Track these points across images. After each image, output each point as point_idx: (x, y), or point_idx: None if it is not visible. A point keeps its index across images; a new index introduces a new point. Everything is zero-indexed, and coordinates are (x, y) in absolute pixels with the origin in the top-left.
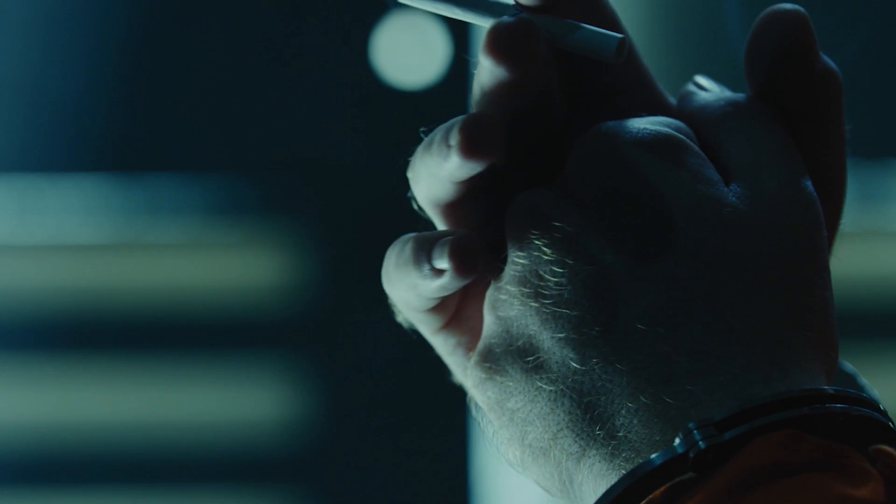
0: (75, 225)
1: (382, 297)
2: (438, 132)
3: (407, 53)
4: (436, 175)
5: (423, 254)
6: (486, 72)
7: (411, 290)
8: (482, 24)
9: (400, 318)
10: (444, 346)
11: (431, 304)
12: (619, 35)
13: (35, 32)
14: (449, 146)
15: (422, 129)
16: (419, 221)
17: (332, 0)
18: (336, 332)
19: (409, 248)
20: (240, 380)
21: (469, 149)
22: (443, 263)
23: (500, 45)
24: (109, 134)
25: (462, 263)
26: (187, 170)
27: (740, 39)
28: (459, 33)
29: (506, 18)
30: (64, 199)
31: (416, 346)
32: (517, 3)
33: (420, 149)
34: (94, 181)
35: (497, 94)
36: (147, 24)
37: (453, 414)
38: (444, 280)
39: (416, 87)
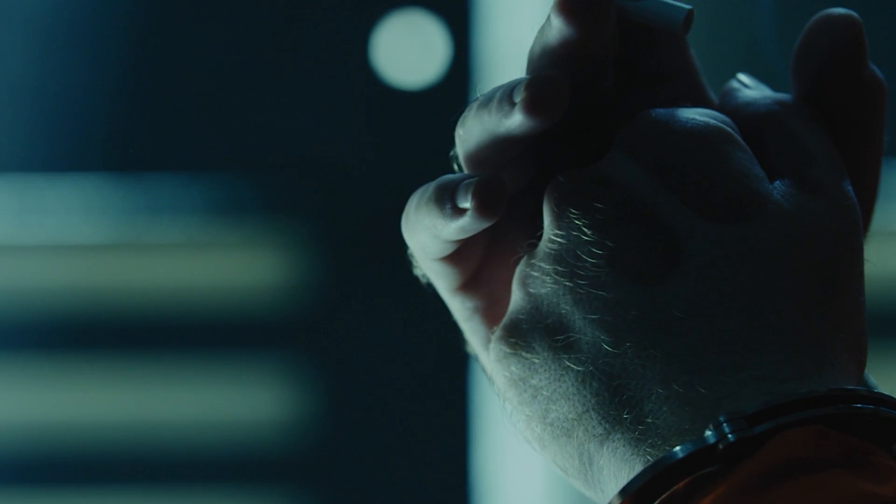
0: (75, 225)
1: (382, 297)
2: (499, 90)
3: (407, 53)
4: (491, 132)
5: (446, 193)
6: (554, 30)
7: (430, 231)
8: None
9: (417, 272)
10: (461, 309)
11: (449, 249)
12: (688, 6)
13: (35, 32)
14: (513, 103)
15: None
16: None
17: (332, 0)
18: (336, 332)
19: (432, 188)
20: (240, 380)
21: (535, 107)
22: (465, 202)
23: (574, 4)
24: (110, 134)
25: (485, 203)
26: (187, 170)
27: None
28: (459, 33)
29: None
30: (64, 198)
31: (415, 346)
32: None
33: (475, 105)
34: (94, 181)
35: (561, 55)
36: (147, 24)
37: (453, 414)
38: (465, 220)
39: (417, 87)
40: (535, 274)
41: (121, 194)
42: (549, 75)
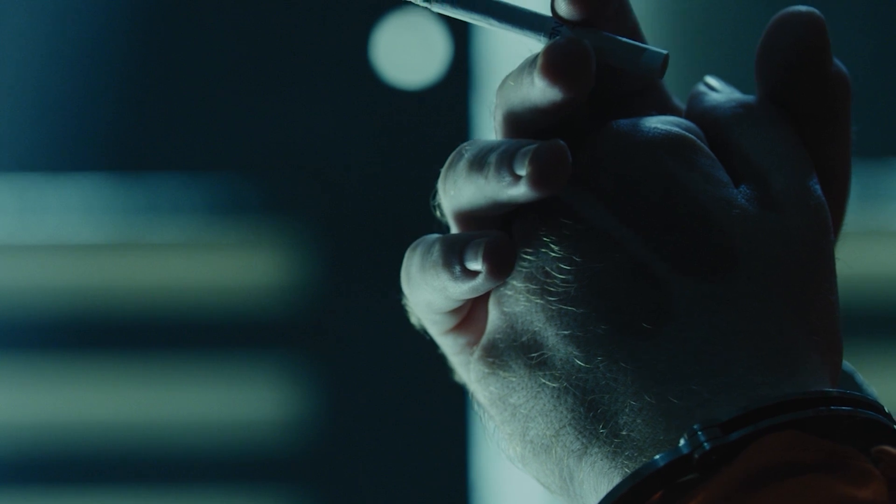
0: (76, 224)
1: (382, 297)
2: (491, 152)
3: (407, 53)
4: (489, 198)
5: (453, 255)
6: (538, 90)
7: (439, 292)
8: (522, 36)
9: (413, 320)
10: (452, 346)
11: (456, 305)
12: (664, 52)
13: (35, 32)
14: (515, 175)
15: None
16: (419, 221)
17: (333, 0)
18: (336, 332)
19: (437, 250)
20: (240, 380)
21: (542, 181)
22: (476, 265)
23: (557, 67)
24: (110, 133)
25: (497, 265)
26: (188, 169)
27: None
28: (459, 33)
29: (559, 39)
30: (64, 198)
31: (415, 346)
32: (557, 17)
33: (463, 165)
34: (94, 180)
35: (545, 111)
36: (147, 24)
37: (453, 414)
38: (476, 282)
39: (417, 87)
40: (509, 293)
41: (121, 194)
42: (552, 147)
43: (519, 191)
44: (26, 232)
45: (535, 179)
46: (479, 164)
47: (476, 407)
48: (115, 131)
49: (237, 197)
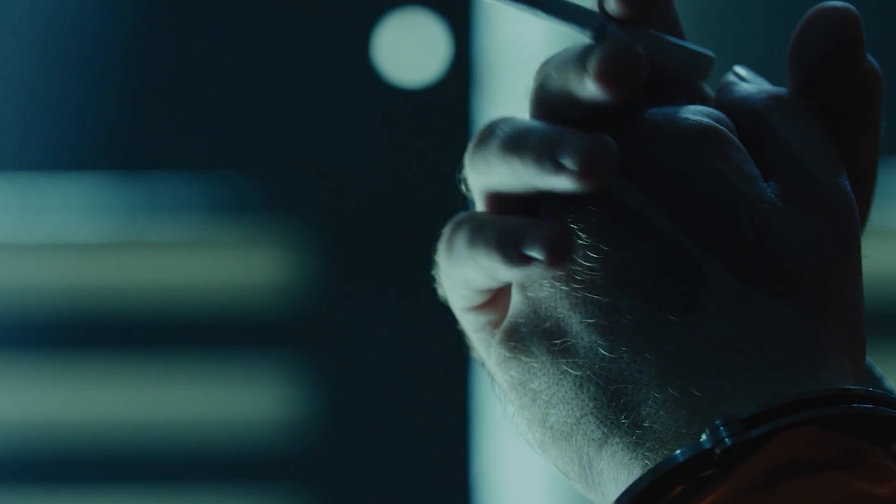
0: (76, 224)
1: (382, 297)
2: (531, 134)
3: (408, 52)
4: (526, 183)
5: (510, 238)
6: (587, 91)
7: (485, 271)
8: (567, 28)
9: (440, 290)
10: (473, 323)
11: (498, 286)
12: (711, 54)
13: (35, 32)
14: (559, 164)
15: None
16: (419, 221)
17: None
18: (336, 332)
19: (490, 230)
20: (240, 379)
21: (591, 173)
22: (535, 252)
23: (613, 76)
24: (110, 132)
25: (558, 255)
26: (188, 168)
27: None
28: (461, 31)
29: (611, 45)
30: (65, 197)
31: (415, 346)
32: (604, 13)
33: (497, 144)
34: (95, 180)
35: (586, 107)
36: (147, 23)
37: (453, 413)
38: (532, 269)
39: (418, 86)
40: (534, 277)
41: (122, 193)
42: (603, 145)
43: (561, 182)
44: (27, 231)
45: (584, 173)
46: (515, 146)
47: (495, 390)
48: (115, 131)
49: (237, 196)
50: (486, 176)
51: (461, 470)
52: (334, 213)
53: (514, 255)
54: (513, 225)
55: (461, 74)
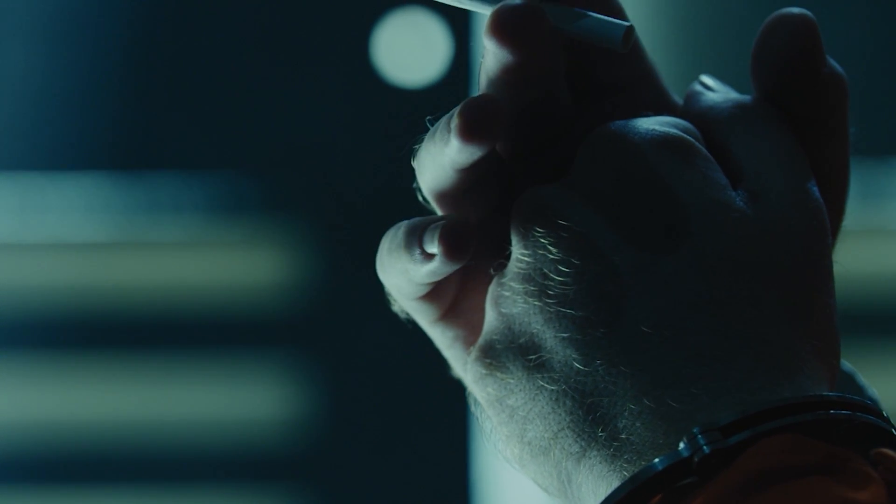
0: (76, 223)
1: (382, 297)
2: (443, 119)
3: (408, 51)
4: (438, 163)
5: (414, 238)
6: (490, 56)
7: (403, 275)
8: (487, 13)
9: (395, 308)
10: (442, 338)
11: (423, 290)
12: (627, 23)
13: (36, 32)
14: (449, 130)
15: (428, 118)
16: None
17: None
18: (336, 331)
19: (401, 233)
20: (240, 379)
21: (468, 131)
22: (433, 248)
23: (504, 27)
24: (110, 132)
25: (452, 248)
26: (188, 168)
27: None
28: (461, 31)
29: (511, 1)
30: (65, 197)
31: (415, 346)
32: None
33: (426, 137)
34: (95, 179)
35: (502, 80)
36: (147, 23)
37: (453, 413)
38: (434, 265)
39: (418, 85)
40: (506, 294)
41: (122, 193)
42: (481, 98)
43: (452, 146)
44: (27, 231)
45: (462, 130)
46: (433, 131)
47: (474, 407)
48: (115, 130)
49: (237, 196)
50: (421, 174)
51: (461, 470)
52: (334, 213)
53: (418, 253)
54: (418, 224)
55: (461, 74)
